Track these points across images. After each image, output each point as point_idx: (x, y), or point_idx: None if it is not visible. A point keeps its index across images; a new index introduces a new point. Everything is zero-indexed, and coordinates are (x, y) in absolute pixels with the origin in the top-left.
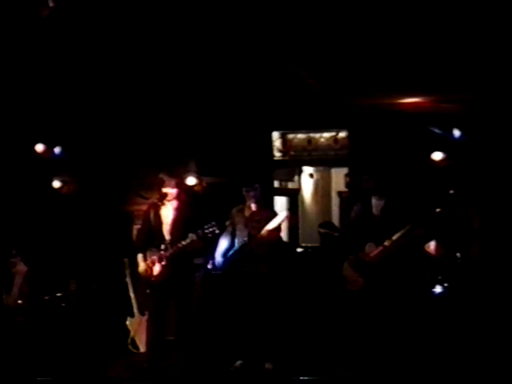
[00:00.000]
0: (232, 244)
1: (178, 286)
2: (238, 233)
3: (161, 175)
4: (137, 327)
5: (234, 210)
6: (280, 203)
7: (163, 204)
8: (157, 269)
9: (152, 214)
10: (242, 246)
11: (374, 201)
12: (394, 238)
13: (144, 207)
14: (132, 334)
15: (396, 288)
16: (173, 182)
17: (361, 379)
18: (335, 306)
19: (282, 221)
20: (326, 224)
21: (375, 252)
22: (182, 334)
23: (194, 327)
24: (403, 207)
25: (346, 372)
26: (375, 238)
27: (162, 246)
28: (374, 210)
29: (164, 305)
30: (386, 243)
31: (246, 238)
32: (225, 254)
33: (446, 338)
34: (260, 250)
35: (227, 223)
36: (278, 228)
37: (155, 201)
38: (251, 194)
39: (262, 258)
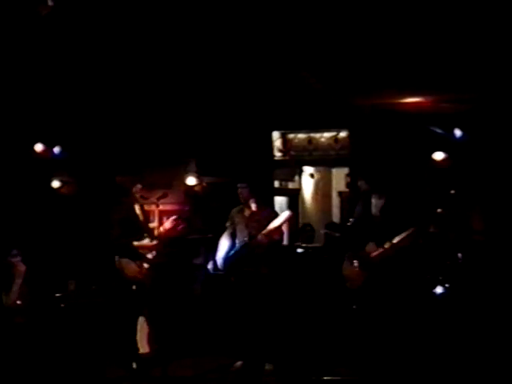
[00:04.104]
0: (233, 245)
1: (175, 284)
2: (238, 233)
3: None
4: (140, 328)
5: (234, 211)
6: (280, 203)
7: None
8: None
9: (135, 213)
10: (242, 247)
11: (373, 200)
12: (395, 241)
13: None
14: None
15: (396, 288)
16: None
17: (360, 379)
18: (336, 307)
19: (284, 221)
20: (330, 225)
21: (375, 253)
22: (181, 334)
23: (194, 327)
24: (403, 207)
25: (345, 371)
26: (375, 238)
27: (146, 240)
28: (374, 210)
29: (161, 305)
30: (386, 245)
31: (246, 238)
32: (226, 256)
33: (446, 338)
34: (260, 250)
35: (227, 224)
36: (279, 228)
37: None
38: (245, 190)
39: (262, 259)
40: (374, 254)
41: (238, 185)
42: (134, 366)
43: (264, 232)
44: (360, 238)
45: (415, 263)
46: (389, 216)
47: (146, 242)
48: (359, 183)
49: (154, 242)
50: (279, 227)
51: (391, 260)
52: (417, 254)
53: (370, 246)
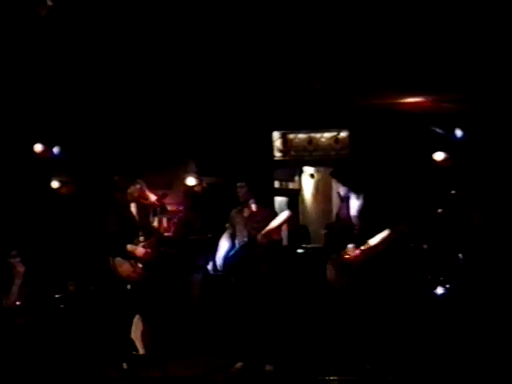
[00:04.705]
0: (232, 245)
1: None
2: (237, 234)
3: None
4: (136, 329)
5: (233, 212)
6: (279, 203)
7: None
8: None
9: (130, 212)
10: (242, 247)
11: (351, 202)
12: (371, 243)
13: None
14: (131, 335)
15: (379, 289)
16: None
17: (359, 379)
18: (336, 307)
19: (284, 221)
20: (331, 225)
21: (352, 255)
22: (179, 334)
23: (193, 328)
24: (381, 208)
25: (344, 371)
26: (353, 239)
27: (141, 238)
28: (352, 211)
29: (157, 305)
30: (363, 247)
31: (245, 239)
32: (226, 256)
33: (447, 338)
34: (260, 250)
35: (227, 225)
36: (279, 228)
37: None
38: (244, 189)
39: (262, 258)
40: (351, 255)
41: (237, 184)
42: (125, 366)
43: (263, 232)
44: (343, 240)
45: (398, 264)
46: (365, 217)
47: (139, 250)
48: (335, 186)
49: (147, 250)
50: (279, 227)
51: (370, 261)
52: (399, 255)
53: (349, 248)
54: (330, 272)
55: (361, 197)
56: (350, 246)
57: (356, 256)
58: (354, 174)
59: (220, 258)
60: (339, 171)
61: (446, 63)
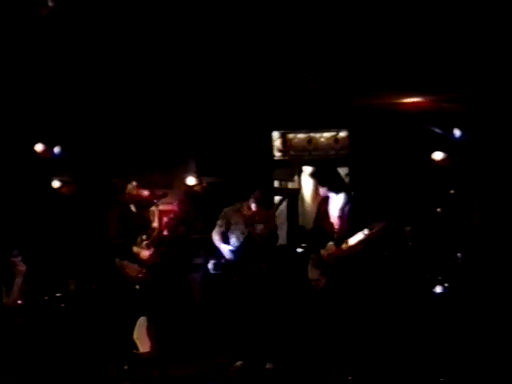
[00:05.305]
0: (227, 244)
1: (172, 284)
2: (236, 233)
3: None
4: (137, 328)
5: (229, 210)
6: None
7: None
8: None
9: (131, 211)
10: (241, 246)
11: (331, 200)
12: (351, 243)
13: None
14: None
15: (368, 288)
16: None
17: (359, 379)
18: (336, 306)
19: (276, 207)
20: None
21: (331, 253)
22: (181, 333)
23: (194, 327)
24: (360, 207)
25: (344, 371)
26: (333, 238)
27: (144, 237)
28: (332, 210)
29: (160, 305)
30: (343, 246)
31: (245, 237)
32: (231, 250)
33: (446, 338)
34: (262, 247)
35: (219, 223)
36: (273, 215)
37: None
38: (270, 196)
39: (262, 257)
40: (330, 253)
41: (262, 189)
42: (126, 365)
43: (260, 229)
44: (323, 240)
45: (394, 263)
46: (347, 217)
47: (144, 253)
48: (315, 186)
49: (151, 253)
50: (273, 215)
51: (349, 260)
52: (397, 254)
53: (329, 247)
54: (311, 271)
55: (340, 196)
56: (330, 244)
57: (335, 254)
58: (332, 175)
59: (227, 252)
60: (318, 172)
61: (445, 63)
